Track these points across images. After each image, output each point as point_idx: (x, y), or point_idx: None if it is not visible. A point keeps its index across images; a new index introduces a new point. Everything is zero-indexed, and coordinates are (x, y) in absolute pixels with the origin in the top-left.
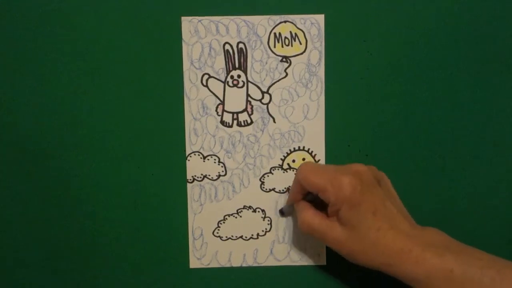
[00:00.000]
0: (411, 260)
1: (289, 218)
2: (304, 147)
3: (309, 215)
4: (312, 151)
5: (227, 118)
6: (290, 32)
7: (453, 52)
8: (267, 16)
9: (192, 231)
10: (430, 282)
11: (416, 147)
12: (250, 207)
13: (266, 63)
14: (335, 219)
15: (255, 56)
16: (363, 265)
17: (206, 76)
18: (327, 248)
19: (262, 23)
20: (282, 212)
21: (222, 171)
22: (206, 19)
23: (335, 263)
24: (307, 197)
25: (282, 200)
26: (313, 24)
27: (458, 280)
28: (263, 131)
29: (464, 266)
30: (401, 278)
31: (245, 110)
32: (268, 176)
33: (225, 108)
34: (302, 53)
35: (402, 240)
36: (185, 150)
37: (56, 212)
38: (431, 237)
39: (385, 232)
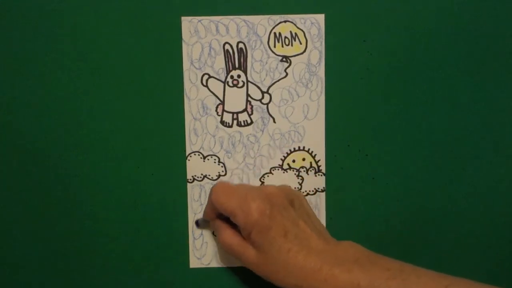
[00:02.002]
0: (321, 279)
1: None
2: (304, 147)
3: (227, 235)
4: (312, 151)
5: (227, 118)
6: (290, 32)
7: (453, 52)
8: (267, 16)
9: (192, 231)
10: None
11: (416, 147)
12: None
13: (266, 63)
14: (249, 242)
15: (255, 56)
16: (279, 286)
17: (206, 76)
18: None
19: (262, 23)
20: (197, 224)
21: (222, 171)
22: (206, 19)
23: None
24: (222, 215)
25: None
26: (313, 24)
27: None
28: (263, 131)
29: (370, 279)
30: None
31: (245, 110)
32: (268, 176)
33: (225, 108)
34: (302, 53)
35: (313, 260)
36: (185, 150)
37: (56, 212)
38: (343, 252)
39: (295, 253)
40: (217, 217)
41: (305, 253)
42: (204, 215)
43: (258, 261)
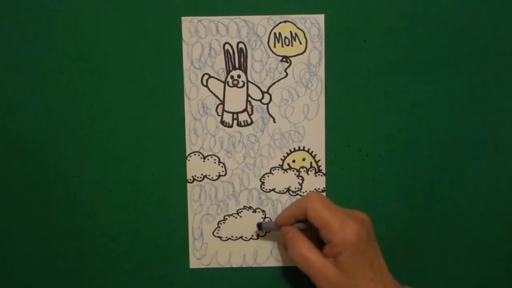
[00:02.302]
0: None
1: None
2: (304, 147)
3: (306, 248)
4: (312, 151)
5: (227, 118)
6: (290, 32)
7: (453, 52)
8: (267, 16)
9: (192, 231)
10: None
11: (416, 147)
12: (250, 207)
13: (266, 63)
14: (331, 260)
15: (255, 56)
16: None
17: (206, 76)
18: None
19: (262, 23)
20: (260, 227)
21: (222, 171)
22: (206, 19)
23: None
24: (297, 224)
25: (282, 200)
26: (313, 24)
27: None
28: (263, 131)
29: None
30: None
31: (245, 110)
32: (268, 176)
33: (225, 108)
34: (302, 53)
35: None
36: (185, 150)
37: (56, 212)
38: None
39: (375, 284)
40: (290, 225)
41: (383, 285)
42: (277, 220)
43: (338, 282)
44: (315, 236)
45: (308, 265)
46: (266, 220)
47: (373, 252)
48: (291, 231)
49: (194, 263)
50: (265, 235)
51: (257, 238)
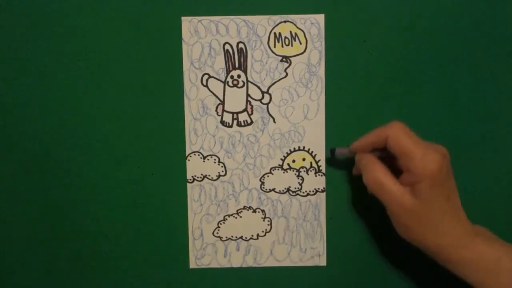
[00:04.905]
0: (462, 244)
1: (290, 219)
2: (304, 147)
3: (382, 173)
4: (312, 151)
5: (227, 118)
6: (290, 32)
7: (453, 52)
8: (267, 16)
9: (192, 231)
10: (477, 268)
11: None
12: (250, 207)
13: (266, 63)
14: (408, 189)
15: (255, 56)
16: (410, 241)
17: (206, 76)
18: (327, 248)
19: (262, 23)
20: (332, 153)
21: (222, 171)
22: (206, 19)
23: (335, 264)
24: (374, 152)
25: (282, 200)
26: (313, 24)
27: (505, 268)
28: (263, 131)
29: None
30: (448, 262)
31: (245, 110)
32: (268, 176)
33: (225, 108)
34: (302, 53)
35: (460, 228)
36: (185, 150)
37: (56, 212)
38: (482, 230)
39: (450, 217)
40: (367, 153)
41: (456, 220)
42: (353, 146)
43: (411, 210)
44: (389, 166)
45: (383, 190)
46: (339, 148)
47: (451, 187)
48: (367, 157)
49: (194, 263)
50: (333, 161)
51: (257, 238)
